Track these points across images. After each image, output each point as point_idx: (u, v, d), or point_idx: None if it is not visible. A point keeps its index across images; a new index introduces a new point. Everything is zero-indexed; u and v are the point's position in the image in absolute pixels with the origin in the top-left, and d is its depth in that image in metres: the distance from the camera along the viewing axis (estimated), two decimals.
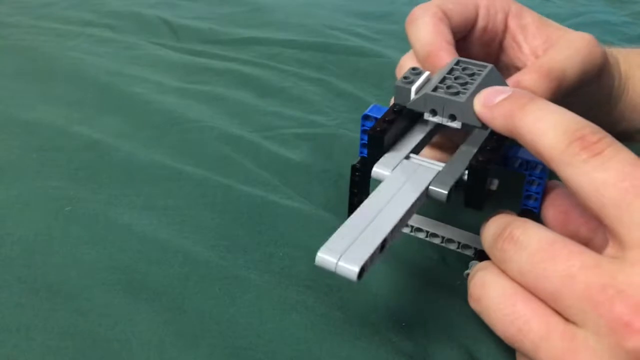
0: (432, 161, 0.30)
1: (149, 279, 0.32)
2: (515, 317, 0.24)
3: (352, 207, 0.33)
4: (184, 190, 0.40)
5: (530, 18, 0.39)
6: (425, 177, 0.29)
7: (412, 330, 0.31)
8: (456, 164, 0.29)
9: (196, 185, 0.40)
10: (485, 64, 0.31)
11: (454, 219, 0.33)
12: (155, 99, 0.53)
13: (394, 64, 0.62)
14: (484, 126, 0.29)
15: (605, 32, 0.76)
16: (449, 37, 0.36)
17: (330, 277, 0.33)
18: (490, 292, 0.25)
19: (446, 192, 0.28)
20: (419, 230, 0.33)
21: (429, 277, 0.34)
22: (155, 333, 0.29)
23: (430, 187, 0.28)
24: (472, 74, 0.31)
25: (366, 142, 0.32)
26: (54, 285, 0.32)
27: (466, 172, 0.29)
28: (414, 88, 0.31)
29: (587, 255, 0.23)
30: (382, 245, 0.25)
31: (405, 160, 0.30)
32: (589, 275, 0.22)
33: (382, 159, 0.30)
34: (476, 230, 0.29)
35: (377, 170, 0.30)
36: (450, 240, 0.32)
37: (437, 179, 0.29)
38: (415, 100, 0.31)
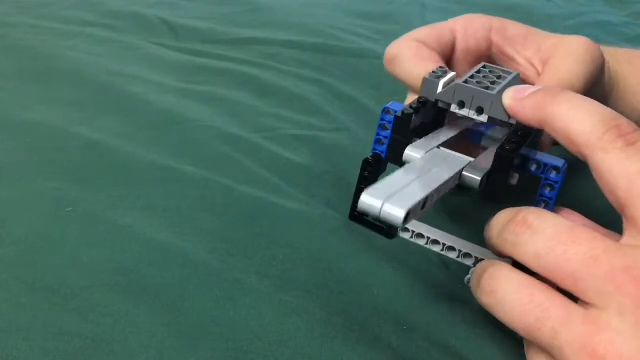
0: (461, 154, 0.30)
1: (149, 281, 0.32)
2: (533, 305, 0.24)
3: (357, 204, 0.33)
4: (184, 192, 0.40)
5: (515, 30, 0.39)
6: (457, 163, 0.29)
7: (413, 335, 0.31)
8: (487, 158, 0.29)
9: (196, 187, 0.40)
10: (510, 70, 0.32)
11: (455, 230, 0.33)
12: (155, 99, 0.53)
13: None
14: (510, 122, 0.29)
15: (606, 32, 0.76)
16: (436, 57, 0.36)
17: (331, 281, 0.33)
18: (506, 284, 0.25)
19: (479, 178, 0.28)
20: (419, 236, 0.33)
21: (430, 281, 0.34)
22: (155, 335, 0.29)
23: (464, 172, 0.28)
24: (499, 77, 0.32)
25: (382, 137, 0.32)
26: (54, 286, 0.32)
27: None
28: (441, 82, 0.31)
29: (609, 241, 0.23)
30: (424, 202, 0.25)
31: (436, 149, 0.30)
32: (613, 258, 0.23)
33: (414, 144, 0.30)
34: (477, 241, 0.29)
35: (410, 153, 0.30)
36: (451, 248, 0.32)
37: (470, 166, 0.29)
38: (445, 92, 0.31)
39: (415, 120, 0.31)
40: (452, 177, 0.28)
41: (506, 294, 0.25)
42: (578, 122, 0.25)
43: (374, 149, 0.33)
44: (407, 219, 0.23)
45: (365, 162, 0.32)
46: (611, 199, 0.25)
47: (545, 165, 0.30)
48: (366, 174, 0.33)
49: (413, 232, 0.33)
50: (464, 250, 0.32)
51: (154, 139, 0.46)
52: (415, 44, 0.37)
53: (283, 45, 0.66)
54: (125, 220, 0.37)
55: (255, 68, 0.61)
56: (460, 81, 0.31)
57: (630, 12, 0.87)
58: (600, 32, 0.76)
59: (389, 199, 0.23)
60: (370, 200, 0.24)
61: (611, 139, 0.24)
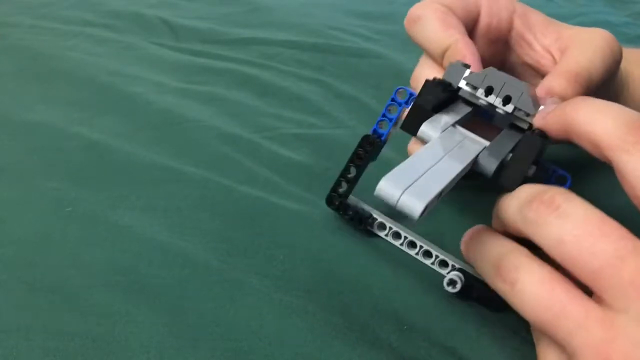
0: (476, 136, 0.29)
1: (149, 281, 0.32)
2: (553, 302, 0.23)
3: (339, 182, 0.33)
4: (184, 192, 0.40)
5: (536, 17, 0.38)
6: (473, 148, 0.28)
7: (413, 335, 0.31)
8: (502, 144, 0.28)
9: (196, 187, 0.40)
10: (519, 81, 0.31)
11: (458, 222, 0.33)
12: (155, 99, 0.53)
13: (393, 65, 0.63)
14: (528, 121, 0.29)
15: None
16: (461, 27, 0.35)
17: (331, 281, 0.33)
18: (526, 276, 0.24)
19: (495, 166, 0.27)
20: (396, 235, 0.32)
21: (430, 281, 0.34)
22: (155, 335, 0.29)
23: (480, 158, 0.27)
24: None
25: (387, 119, 0.31)
26: (54, 286, 0.32)
27: (509, 154, 0.28)
28: (468, 71, 0.31)
29: (638, 242, 0.23)
30: (440, 193, 0.24)
31: (452, 127, 0.29)
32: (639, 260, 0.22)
33: (430, 120, 0.29)
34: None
35: (425, 130, 0.28)
36: (427, 253, 0.32)
37: (487, 151, 0.28)
38: (474, 75, 0.30)
39: (434, 100, 0.30)
40: (469, 164, 0.27)
41: (526, 286, 0.24)
42: (600, 124, 0.25)
43: (374, 130, 0.32)
44: (424, 212, 0.22)
45: (365, 139, 0.31)
46: (635, 201, 0.24)
47: (558, 176, 0.29)
48: (360, 151, 0.32)
49: (390, 228, 0.32)
50: (441, 257, 0.32)
51: (154, 139, 0.46)
52: (442, 8, 0.35)
53: (283, 45, 0.66)
54: (125, 220, 0.37)
55: (255, 68, 0.61)
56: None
57: (631, 12, 0.87)
58: None
59: (407, 188, 0.22)
60: (389, 187, 0.22)
61: (634, 140, 0.24)
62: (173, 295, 0.32)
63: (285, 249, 0.35)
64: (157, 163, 0.43)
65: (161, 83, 0.56)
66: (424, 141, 0.28)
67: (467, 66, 0.31)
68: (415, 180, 0.23)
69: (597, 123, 0.25)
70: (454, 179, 0.25)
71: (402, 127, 0.30)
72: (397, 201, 0.22)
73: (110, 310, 0.30)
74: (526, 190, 0.26)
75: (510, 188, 0.27)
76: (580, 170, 0.27)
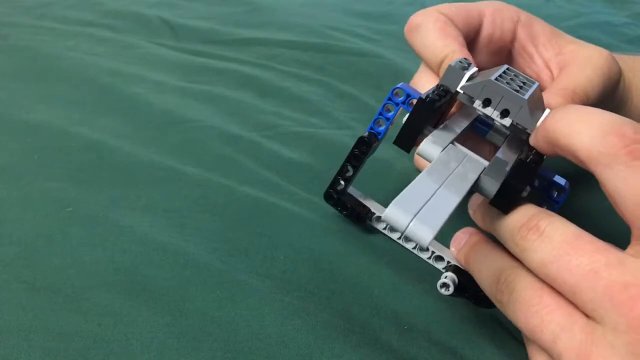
0: (475, 155, 0.29)
1: (149, 281, 0.32)
2: (540, 307, 0.24)
3: (336, 180, 0.32)
4: (184, 192, 0.40)
5: (540, 28, 0.38)
6: (475, 168, 0.28)
7: (414, 335, 0.31)
8: (502, 163, 0.28)
9: (197, 187, 0.40)
10: (532, 79, 0.31)
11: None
12: (155, 98, 0.53)
13: (393, 65, 0.63)
14: (528, 132, 0.28)
15: (606, 33, 0.76)
16: (460, 38, 0.35)
17: (332, 281, 0.33)
18: (519, 285, 0.25)
19: (497, 188, 0.27)
20: (393, 229, 0.32)
21: (430, 281, 0.34)
22: (156, 335, 0.29)
23: (482, 180, 0.27)
24: (524, 83, 0.30)
25: (384, 118, 0.31)
26: (54, 286, 0.32)
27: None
28: (467, 74, 0.30)
29: (612, 253, 0.23)
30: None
31: (452, 146, 0.29)
32: (613, 272, 0.22)
33: (430, 138, 0.28)
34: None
35: (427, 148, 0.28)
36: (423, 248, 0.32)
37: (487, 172, 0.27)
38: (472, 85, 0.29)
39: (437, 106, 0.29)
40: (471, 186, 0.27)
41: (517, 294, 0.25)
42: (577, 135, 0.24)
43: (371, 128, 0.32)
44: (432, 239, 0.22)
45: (361, 140, 0.31)
46: (619, 213, 0.24)
47: (552, 183, 0.29)
48: (356, 151, 0.32)
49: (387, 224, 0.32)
50: (437, 252, 0.32)
51: (154, 139, 0.46)
52: (442, 18, 0.35)
53: (283, 46, 0.66)
54: (125, 220, 0.37)
55: (255, 68, 0.61)
56: (492, 77, 0.28)
57: (631, 12, 0.87)
58: (600, 33, 0.76)
59: (416, 215, 0.22)
60: (397, 214, 0.22)
61: (612, 151, 0.23)
62: (174, 296, 0.32)
63: (286, 249, 0.35)
64: (157, 163, 0.43)
65: (161, 83, 0.56)
66: (425, 159, 0.28)
67: (466, 69, 0.30)
68: (423, 206, 0.23)
69: (575, 134, 0.24)
70: (458, 205, 0.25)
71: (395, 143, 0.30)
72: (406, 228, 0.22)
73: (110, 311, 0.30)
74: (516, 217, 0.26)
75: (505, 212, 0.27)
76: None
